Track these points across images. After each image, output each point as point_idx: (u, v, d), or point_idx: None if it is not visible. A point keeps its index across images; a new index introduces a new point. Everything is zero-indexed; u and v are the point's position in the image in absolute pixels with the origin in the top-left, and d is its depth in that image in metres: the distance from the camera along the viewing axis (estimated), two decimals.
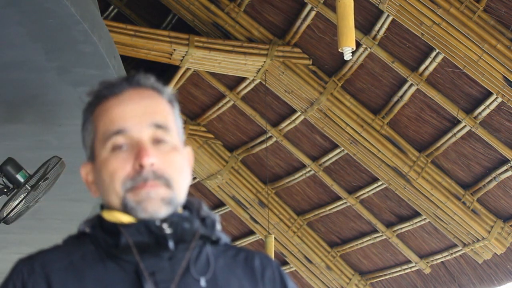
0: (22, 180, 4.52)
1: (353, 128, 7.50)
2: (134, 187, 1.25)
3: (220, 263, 1.30)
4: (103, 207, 1.32)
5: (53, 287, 1.23)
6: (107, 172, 1.27)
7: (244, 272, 1.31)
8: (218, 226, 1.33)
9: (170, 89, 1.36)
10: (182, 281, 1.24)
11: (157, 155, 1.26)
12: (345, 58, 4.49)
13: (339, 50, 4.33)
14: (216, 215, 1.35)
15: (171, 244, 1.24)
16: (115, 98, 1.30)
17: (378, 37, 7.00)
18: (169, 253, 1.25)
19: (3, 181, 4.54)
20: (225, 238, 1.34)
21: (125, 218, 1.26)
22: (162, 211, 1.25)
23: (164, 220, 1.26)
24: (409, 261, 8.41)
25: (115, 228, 1.25)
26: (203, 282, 1.25)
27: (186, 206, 1.32)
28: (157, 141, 1.28)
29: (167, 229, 1.25)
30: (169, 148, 1.29)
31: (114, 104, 1.30)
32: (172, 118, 1.33)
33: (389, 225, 8.27)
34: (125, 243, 1.23)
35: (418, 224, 8.01)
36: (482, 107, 6.83)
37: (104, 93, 1.31)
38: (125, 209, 1.26)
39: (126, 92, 1.31)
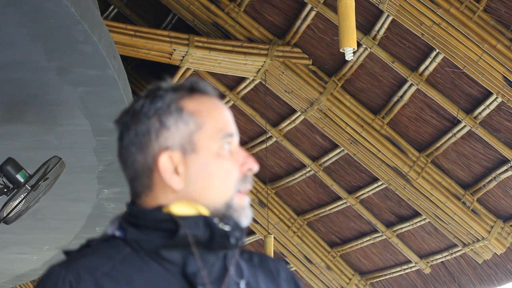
0: (22, 180, 4.52)
1: (353, 128, 7.50)
2: (241, 190, 1.28)
3: (244, 267, 1.30)
4: (133, 206, 1.28)
5: None
6: (222, 168, 1.26)
7: (264, 274, 1.33)
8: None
9: None
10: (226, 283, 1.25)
11: None
12: (346, 58, 4.48)
13: (341, 50, 4.33)
14: None
15: (233, 240, 1.25)
16: (214, 99, 1.32)
17: (378, 37, 7.00)
18: (216, 254, 1.25)
19: (3, 181, 4.54)
20: None
21: (203, 210, 1.25)
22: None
23: (220, 220, 1.26)
24: (409, 261, 8.41)
25: (165, 225, 1.23)
26: (243, 285, 1.27)
27: None
28: None
29: (226, 226, 1.25)
30: None
31: (218, 104, 1.31)
32: None
33: (389, 225, 8.27)
34: (184, 236, 1.21)
35: (418, 224, 8.01)
36: (482, 107, 6.83)
37: (201, 88, 1.31)
38: (228, 210, 1.26)
39: (213, 95, 1.33)
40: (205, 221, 1.23)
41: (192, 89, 1.31)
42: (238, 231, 1.27)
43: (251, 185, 1.29)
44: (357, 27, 4.42)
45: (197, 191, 1.26)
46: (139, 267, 1.22)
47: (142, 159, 1.27)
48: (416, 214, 7.94)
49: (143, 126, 1.27)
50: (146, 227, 1.24)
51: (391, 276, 8.67)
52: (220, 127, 1.28)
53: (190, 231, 1.21)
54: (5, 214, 4.52)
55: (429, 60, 6.86)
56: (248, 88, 8.05)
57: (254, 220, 8.90)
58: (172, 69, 7.66)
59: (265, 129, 8.22)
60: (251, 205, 7.83)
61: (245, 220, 1.28)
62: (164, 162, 1.26)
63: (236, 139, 1.30)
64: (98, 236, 1.28)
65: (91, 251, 1.25)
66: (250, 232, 9.27)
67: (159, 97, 1.28)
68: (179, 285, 1.21)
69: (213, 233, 1.23)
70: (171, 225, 1.22)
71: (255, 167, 1.28)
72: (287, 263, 9.06)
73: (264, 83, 7.72)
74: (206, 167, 1.26)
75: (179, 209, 1.25)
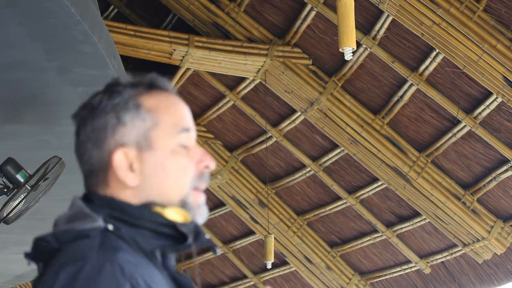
0: (22, 180, 4.51)
1: (353, 128, 7.50)
2: (197, 187, 1.27)
3: None
4: (112, 203, 1.24)
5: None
6: (177, 165, 1.25)
7: None
8: None
9: None
10: None
11: None
12: (346, 58, 4.48)
13: (340, 50, 4.33)
14: None
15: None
16: (172, 95, 1.31)
17: (378, 37, 7.00)
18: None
19: (3, 181, 4.54)
20: None
21: (179, 217, 1.24)
22: None
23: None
24: (409, 261, 8.41)
25: (165, 230, 1.22)
26: None
27: None
28: None
29: (207, 235, 1.27)
30: None
31: (175, 100, 1.30)
32: None
33: (389, 225, 8.27)
34: (190, 244, 1.22)
35: (418, 224, 8.01)
36: (482, 107, 6.83)
37: (160, 84, 1.30)
38: (184, 206, 1.25)
39: (172, 92, 1.32)
40: (195, 229, 1.24)
41: (151, 85, 1.30)
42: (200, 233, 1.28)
43: (207, 182, 1.28)
44: (357, 27, 4.43)
45: (152, 188, 1.25)
46: (150, 263, 1.20)
47: (98, 154, 1.26)
48: (416, 214, 7.94)
49: (100, 122, 1.26)
50: (142, 227, 1.22)
51: (391, 276, 8.67)
52: (175, 123, 1.28)
53: (192, 239, 1.23)
54: (5, 214, 4.52)
55: (429, 60, 6.86)
56: (248, 88, 8.05)
57: (254, 220, 8.90)
58: (172, 69, 7.66)
59: (265, 129, 8.22)
60: (251, 205, 7.81)
61: (201, 218, 1.27)
62: (119, 158, 1.25)
63: (192, 136, 1.29)
64: (90, 227, 1.19)
65: (120, 243, 1.18)
66: (250, 232, 9.27)
67: (117, 93, 1.28)
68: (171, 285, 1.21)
69: (199, 240, 1.24)
70: (170, 230, 1.22)
71: (212, 164, 1.27)
72: (285, 263, 9.06)
73: (264, 83, 7.72)
74: (161, 164, 1.25)
75: (171, 214, 1.24)
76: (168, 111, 1.28)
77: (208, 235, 1.28)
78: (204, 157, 1.27)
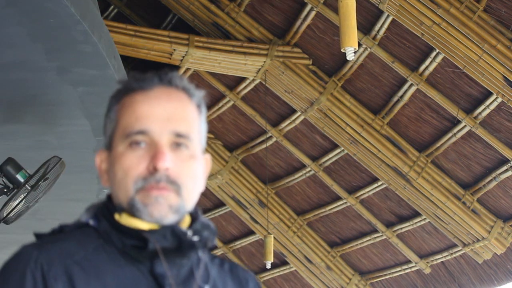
0: (22, 180, 4.51)
1: (353, 128, 7.50)
2: (145, 187, 1.23)
3: (214, 271, 1.30)
4: (110, 199, 1.29)
5: (75, 282, 1.18)
6: (121, 167, 1.25)
7: (232, 281, 1.33)
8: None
9: (201, 93, 1.34)
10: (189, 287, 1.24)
11: (174, 161, 1.25)
12: (347, 58, 4.48)
13: (342, 50, 4.33)
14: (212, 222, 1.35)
15: (200, 252, 1.26)
16: (143, 94, 1.28)
17: (378, 37, 7.00)
18: (187, 260, 1.25)
19: (3, 181, 4.54)
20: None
21: (144, 225, 1.24)
22: (169, 218, 1.24)
23: (189, 227, 1.26)
24: (409, 261, 8.41)
25: (136, 233, 1.23)
26: None
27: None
28: (176, 146, 1.26)
29: (194, 237, 1.25)
30: (187, 155, 1.27)
31: (140, 100, 1.28)
32: (197, 124, 1.31)
33: (389, 225, 8.27)
34: (153, 249, 1.21)
35: (418, 224, 8.01)
36: (482, 107, 6.83)
37: (133, 86, 1.29)
38: (131, 209, 1.24)
39: (155, 89, 1.29)
40: (172, 232, 1.23)
41: (130, 86, 1.30)
42: (205, 231, 1.27)
43: (159, 181, 1.23)
44: (357, 27, 4.42)
45: (112, 189, 1.27)
46: (109, 260, 1.21)
47: None
48: (416, 214, 7.94)
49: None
50: (116, 226, 1.25)
51: (391, 276, 8.67)
52: (128, 125, 1.26)
53: (159, 244, 1.22)
54: (5, 214, 4.52)
55: (429, 60, 6.86)
56: (248, 88, 8.04)
57: (254, 220, 8.90)
58: (172, 69, 7.65)
59: (265, 129, 8.22)
60: (251, 205, 7.80)
61: (149, 218, 1.23)
62: (96, 159, 1.31)
63: (155, 135, 1.25)
64: (72, 222, 1.27)
65: (64, 236, 1.25)
66: (250, 232, 9.27)
67: (112, 96, 1.31)
68: (147, 283, 1.21)
69: (180, 242, 1.23)
70: (139, 235, 1.23)
71: (159, 164, 1.23)
72: (285, 263, 9.07)
73: (264, 83, 7.72)
74: (113, 166, 1.27)
75: (123, 220, 1.26)
76: (126, 112, 1.27)
77: (194, 236, 1.25)
78: (155, 156, 1.23)
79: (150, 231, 1.23)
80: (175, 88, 1.31)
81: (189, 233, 1.25)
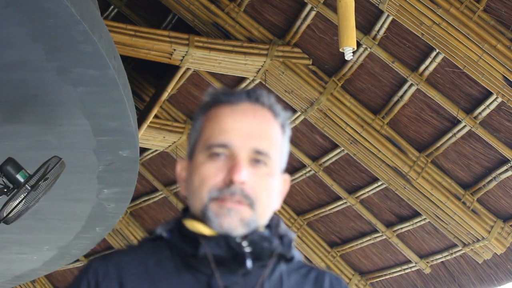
0: (22, 180, 4.51)
1: (353, 128, 7.50)
2: (220, 198, 1.26)
3: (292, 281, 1.31)
4: (186, 211, 1.32)
5: None
6: (198, 176, 1.28)
7: None
8: (294, 244, 1.35)
9: (286, 114, 1.36)
10: None
11: (250, 176, 1.27)
12: (346, 58, 4.48)
13: (340, 50, 4.33)
14: (293, 233, 1.36)
15: (249, 263, 1.26)
16: (230, 108, 1.31)
17: (378, 37, 7.00)
18: (245, 270, 1.26)
19: (3, 181, 4.54)
20: (298, 256, 1.35)
21: (206, 231, 1.26)
22: (238, 231, 1.26)
23: (244, 238, 1.27)
24: (409, 261, 8.41)
25: (195, 238, 1.26)
26: None
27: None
28: (255, 162, 1.28)
29: (247, 248, 1.26)
30: (265, 172, 1.29)
31: (226, 113, 1.30)
32: (278, 143, 1.33)
33: (389, 225, 8.27)
34: (204, 255, 1.24)
35: (418, 224, 8.01)
36: (482, 107, 6.83)
37: (220, 98, 1.32)
38: (204, 217, 1.27)
39: (242, 104, 1.31)
40: (225, 241, 1.25)
41: (217, 99, 1.33)
42: (264, 242, 1.27)
43: (234, 194, 1.25)
44: (357, 27, 4.43)
45: (189, 198, 1.30)
46: (170, 273, 1.25)
47: None
48: (416, 214, 7.94)
49: None
50: (183, 233, 1.29)
51: (391, 276, 8.67)
52: (210, 137, 1.29)
53: (211, 251, 1.24)
54: (5, 214, 4.52)
55: (429, 60, 6.86)
56: (248, 88, 8.04)
57: None
58: (172, 69, 7.67)
59: None
60: None
61: (218, 229, 1.25)
62: (177, 166, 1.35)
63: (235, 149, 1.27)
64: (153, 235, 1.33)
65: (133, 248, 1.31)
66: None
67: (200, 107, 1.35)
68: None
69: (235, 253, 1.25)
70: (195, 239, 1.27)
71: (236, 177, 1.25)
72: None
73: (264, 83, 7.72)
74: (191, 174, 1.30)
75: (188, 224, 1.30)
76: (210, 124, 1.31)
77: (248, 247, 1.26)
78: (232, 169, 1.26)
79: (206, 237, 1.25)
80: (261, 105, 1.33)
81: (244, 243, 1.26)
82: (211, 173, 1.27)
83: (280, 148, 1.33)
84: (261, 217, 1.29)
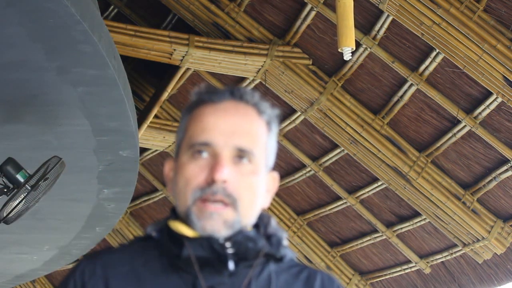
0: (22, 180, 4.51)
1: (353, 128, 7.50)
2: (202, 197, 1.25)
3: (281, 281, 1.29)
4: (174, 211, 1.32)
5: None
6: (182, 176, 1.27)
7: None
8: (285, 243, 1.33)
9: (273, 111, 1.36)
10: None
11: (233, 174, 1.25)
12: (344, 58, 4.48)
13: (339, 50, 4.33)
14: (284, 232, 1.34)
15: (231, 264, 1.25)
16: (212, 106, 1.30)
17: (378, 37, 7.00)
18: (230, 271, 1.25)
19: (3, 181, 4.54)
20: (290, 255, 1.34)
21: (189, 232, 1.26)
22: (222, 233, 1.25)
23: (228, 239, 1.26)
24: (409, 261, 8.41)
25: (180, 239, 1.26)
26: None
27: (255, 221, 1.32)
28: (238, 160, 1.27)
29: (229, 249, 1.25)
30: (249, 170, 1.27)
31: (208, 112, 1.30)
32: (262, 141, 1.31)
33: (389, 225, 8.27)
34: (187, 256, 1.24)
35: (418, 224, 8.01)
36: (482, 107, 6.83)
37: (203, 98, 1.32)
38: (187, 219, 1.26)
39: (224, 102, 1.30)
40: (208, 242, 1.24)
41: (201, 98, 1.33)
42: (249, 242, 1.26)
43: (216, 193, 1.24)
44: (357, 27, 4.43)
45: (175, 198, 1.29)
46: (157, 273, 1.25)
47: None
48: (416, 214, 7.94)
49: None
50: (170, 233, 1.29)
51: (391, 276, 8.67)
52: (193, 136, 1.29)
53: (194, 253, 1.24)
54: (5, 214, 4.52)
55: (429, 60, 6.87)
56: (248, 88, 8.04)
57: None
58: (172, 69, 7.67)
59: None
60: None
61: (202, 231, 1.24)
62: (165, 167, 1.34)
63: (218, 147, 1.26)
64: (142, 234, 1.34)
65: (123, 248, 1.31)
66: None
67: (185, 107, 1.36)
68: None
69: (218, 254, 1.24)
70: (180, 240, 1.27)
71: (217, 175, 1.24)
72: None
73: (264, 83, 7.72)
74: (176, 175, 1.29)
75: (172, 225, 1.29)
76: (194, 123, 1.30)
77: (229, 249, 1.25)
78: (213, 168, 1.25)
79: (189, 239, 1.25)
80: (245, 103, 1.31)
81: (227, 244, 1.25)
82: (195, 173, 1.26)
83: (265, 145, 1.31)
84: (246, 216, 1.27)
